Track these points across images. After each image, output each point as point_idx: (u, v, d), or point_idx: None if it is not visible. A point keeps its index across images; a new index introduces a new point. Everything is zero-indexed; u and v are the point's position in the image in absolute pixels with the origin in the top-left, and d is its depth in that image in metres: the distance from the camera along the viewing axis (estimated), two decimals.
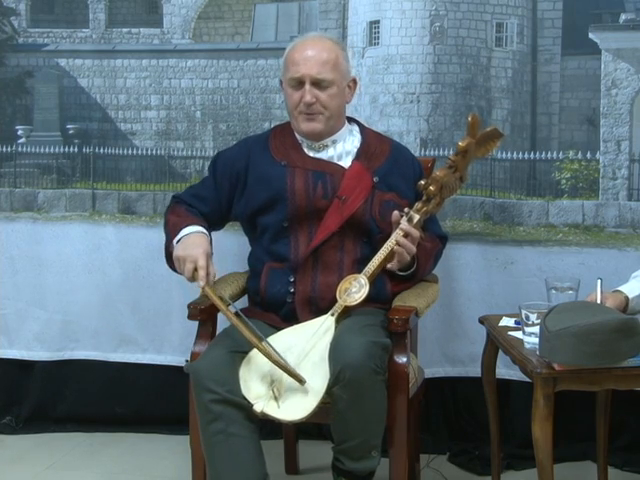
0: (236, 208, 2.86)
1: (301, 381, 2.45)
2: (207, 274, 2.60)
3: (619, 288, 2.66)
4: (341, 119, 2.86)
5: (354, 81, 2.87)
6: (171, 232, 2.76)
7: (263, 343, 2.49)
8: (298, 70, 2.74)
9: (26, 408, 3.75)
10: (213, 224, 2.88)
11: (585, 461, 3.29)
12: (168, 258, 2.77)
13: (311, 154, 2.83)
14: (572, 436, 3.29)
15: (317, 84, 2.74)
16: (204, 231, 2.73)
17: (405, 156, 2.92)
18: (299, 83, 2.75)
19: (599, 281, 2.63)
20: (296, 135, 2.85)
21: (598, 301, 2.58)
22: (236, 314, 2.59)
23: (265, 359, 2.49)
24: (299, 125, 2.80)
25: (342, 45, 2.90)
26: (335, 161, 2.83)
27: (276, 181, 2.78)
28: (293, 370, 2.46)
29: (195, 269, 2.60)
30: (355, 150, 2.85)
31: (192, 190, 2.93)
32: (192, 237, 2.69)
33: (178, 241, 2.70)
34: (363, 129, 2.92)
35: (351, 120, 2.94)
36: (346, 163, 2.82)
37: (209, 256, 2.64)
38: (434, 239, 2.86)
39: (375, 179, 2.79)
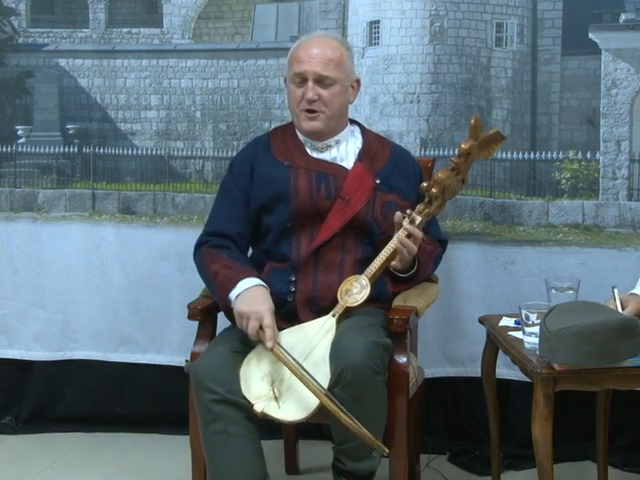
0: None
1: (383, 450, 2.45)
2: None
3: (634, 291, 2.65)
4: (343, 119, 2.86)
5: (357, 82, 2.86)
6: (224, 286, 2.64)
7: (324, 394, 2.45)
8: (302, 67, 2.74)
9: (26, 408, 3.75)
10: (250, 240, 2.82)
11: (585, 461, 3.29)
12: (227, 311, 2.69)
13: (314, 155, 2.83)
14: (572, 436, 3.29)
15: (320, 82, 2.74)
16: (263, 284, 2.65)
17: (405, 158, 2.93)
18: (302, 80, 2.75)
19: (615, 290, 2.60)
20: (299, 135, 2.85)
21: (619, 309, 2.55)
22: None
23: (268, 360, 2.51)
24: (300, 123, 2.80)
25: (347, 45, 2.89)
26: (338, 162, 2.83)
27: (279, 181, 2.77)
28: (359, 428, 2.41)
29: (260, 327, 2.55)
30: (357, 151, 2.85)
31: (218, 216, 2.82)
32: (253, 291, 2.61)
33: (237, 296, 2.61)
34: (364, 131, 2.92)
35: (352, 121, 2.94)
36: (348, 164, 2.82)
37: (273, 313, 2.58)
38: (434, 242, 2.86)
39: (377, 181, 2.79)
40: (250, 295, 2.60)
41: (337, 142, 2.84)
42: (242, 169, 2.84)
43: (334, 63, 2.74)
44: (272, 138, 2.88)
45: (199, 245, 2.80)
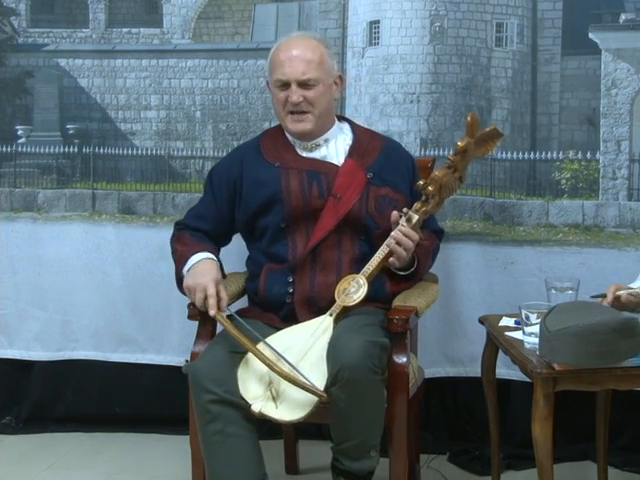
0: (238, 216, 2.86)
1: (321, 396, 2.44)
2: (218, 300, 2.61)
3: (631, 285, 2.65)
4: (331, 117, 2.87)
5: (340, 77, 2.88)
6: (179, 262, 2.77)
7: (279, 364, 2.49)
8: (284, 72, 2.75)
9: (26, 408, 3.75)
10: (220, 239, 2.89)
11: (585, 461, 3.29)
12: (181, 286, 2.78)
13: (304, 154, 2.84)
14: (572, 436, 3.29)
15: (303, 84, 2.75)
16: (212, 257, 2.73)
17: (398, 151, 2.94)
18: (285, 84, 2.76)
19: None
20: (288, 136, 2.86)
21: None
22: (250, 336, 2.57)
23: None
24: (287, 126, 2.81)
25: (326, 43, 2.89)
26: (328, 160, 2.83)
27: (271, 183, 2.78)
28: (312, 386, 2.45)
29: (206, 297, 2.61)
30: (347, 148, 2.85)
31: (192, 212, 2.93)
32: (200, 265, 2.70)
33: (188, 270, 2.70)
34: (354, 126, 2.93)
35: (341, 118, 2.95)
36: (339, 161, 2.83)
37: (218, 282, 2.65)
38: (431, 236, 2.87)
39: (369, 175, 2.80)
40: (198, 269, 2.69)
41: (326, 140, 2.85)
42: (219, 176, 2.88)
43: (315, 64, 2.75)
44: (262, 141, 2.89)
45: (172, 234, 2.90)
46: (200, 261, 2.71)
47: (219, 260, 2.78)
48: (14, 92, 3.74)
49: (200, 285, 2.62)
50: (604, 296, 2.59)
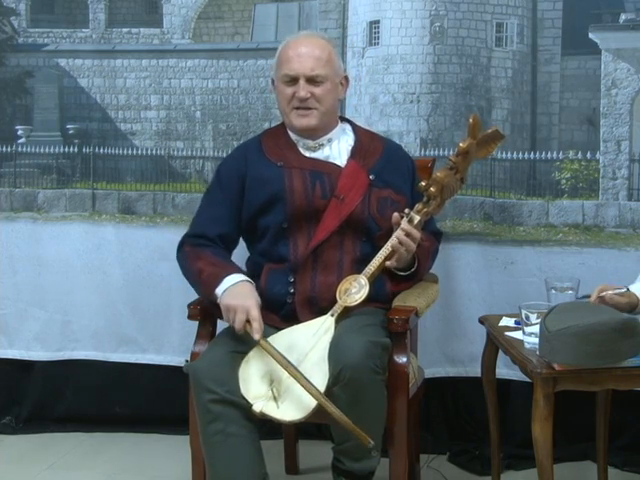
0: (242, 214, 2.85)
1: (368, 443, 2.43)
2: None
3: (630, 287, 2.65)
4: (335, 117, 2.88)
5: (346, 78, 2.89)
6: (210, 282, 2.68)
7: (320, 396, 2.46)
8: (292, 67, 2.76)
9: (26, 408, 3.75)
10: (234, 243, 2.86)
11: (585, 461, 3.29)
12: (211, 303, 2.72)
13: (307, 154, 2.84)
14: (572, 436, 3.30)
15: (311, 80, 2.76)
16: (249, 280, 2.70)
17: (398, 152, 2.94)
18: (293, 79, 2.77)
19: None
20: (290, 135, 2.86)
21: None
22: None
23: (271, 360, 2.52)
24: (292, 121, 2.80)
25: (333, 43, 2.92)
26: (331, 160, 2.83)
27: (274, 182, 2.77)
28: (361, 431, 2.43)
29: (247, 320, 2.58)
30: (350, 149, 2.86)
31: (201, 218, 2.86)
32: (240, 287, 2.65)
33: (224, 291, 2.64)
34: (355, 128, 2.93)
35: (343, 119, 2.95)
36: (342, 162, 2.83)
37: (259, 307, 2.61)
38: (430, 237, 2.87)
39: (371, 177, 2.80)
40: (237, 290, 2.63)
41: (329, 140, 2.85)
42: (228, 173, 2.85)
43: (323, 61, 2.76)
44: (263, 140, 2.88)
45: (181, 245, 2.83)
46: (238, 283, 2.65)
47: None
48: (14, 92, 3.74)
49: (243, 307, 2.57)
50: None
